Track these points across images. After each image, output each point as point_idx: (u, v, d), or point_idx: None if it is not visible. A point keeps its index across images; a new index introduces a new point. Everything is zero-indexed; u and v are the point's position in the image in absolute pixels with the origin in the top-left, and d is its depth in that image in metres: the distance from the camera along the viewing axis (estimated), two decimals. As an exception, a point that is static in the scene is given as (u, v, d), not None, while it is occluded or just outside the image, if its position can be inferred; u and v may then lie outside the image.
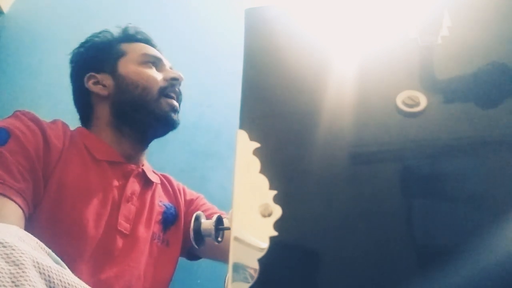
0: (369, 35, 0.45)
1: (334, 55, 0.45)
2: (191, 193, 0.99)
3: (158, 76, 0.90)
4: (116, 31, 0.96)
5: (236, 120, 0.41)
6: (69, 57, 0.97)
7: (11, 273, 0.41)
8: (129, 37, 0.95)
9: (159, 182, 0.93)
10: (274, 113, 0.42)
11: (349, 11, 0.48)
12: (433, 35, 0.43)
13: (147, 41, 0.97)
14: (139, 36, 0.96)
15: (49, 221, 0.71)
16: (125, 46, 0.93)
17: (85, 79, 0.91)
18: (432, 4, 0.44)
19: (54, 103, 1.37)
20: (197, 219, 0.52)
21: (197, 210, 0.94)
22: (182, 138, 1.38)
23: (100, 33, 0.96)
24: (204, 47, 1.59)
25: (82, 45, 0.96)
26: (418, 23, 0.44)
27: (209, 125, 1.43)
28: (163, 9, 1.70)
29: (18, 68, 1.56)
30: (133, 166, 0.87)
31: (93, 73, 0.91)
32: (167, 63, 0.96)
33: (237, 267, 0.35)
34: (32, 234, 0.50)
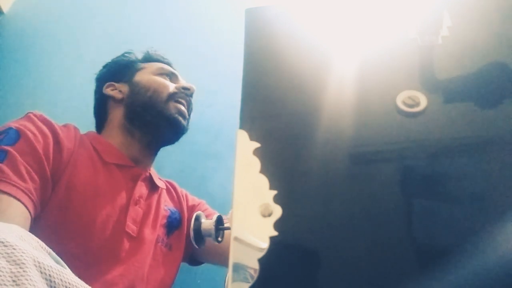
0: (369, 35, 0.45)
1: (334, 55, 0.45)
2: (193, 199, 1.01)
3: (170, 84, 0.95)
4: (138, 55, 1.02)
5: (236, 120, 0.42)
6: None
7: (12, 272, 0.41)
8: (149, 58, 1.01)
9: (164, 187, 0.95)
10: (274, 113, 0.42)
11: (349, 11, 0.48)
12: (433, 35, 0.43)
13: (167, 64, 1.02)
14: (159, 58, 1.02)
15: (56, 221, 0.72)
16: (144, 64, 0.99)
17: (104, 86, 0.97)
18: (432, 4, 0.44)
19: (54, 103, 1.37)
20: (197, 219, 0.52)
21: None
22: (182, 138, 1.38)
23: (123, 54, 1.03)
24: (204, 47, 1.59)
25: (106, 65, 1.03)
26: (418, 23, 0.44)
27: (209, 125, 1.43)
28: (163, 9, 1.70)
29: (18, 68, 1.56)
30: (141, 170, 0.89)
31: (112, 82, 0.97)
32: (182, 79, 1.00)
33: (237, 267, 0.35)
34: (39, 234, 0.51)
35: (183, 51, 1.53)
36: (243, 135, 0.40)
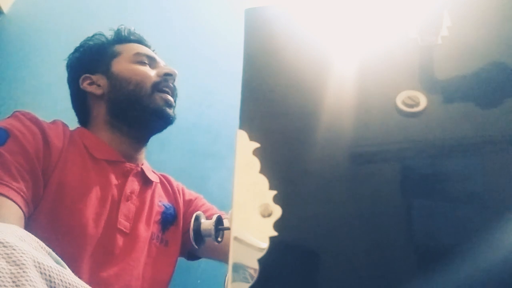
0: (369, 35, 0.45)
1: (334, 55, 0.45)
2: (190, 193, 1.00)
3: (151, 72, 0.91)
4: (109, 34, 0.97)
5: (236, 120, 0.41)
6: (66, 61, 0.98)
7: (11, 273, 0.41)
8: (122, 38, 0.97)
9: (158, 181, 0.94)
10: (274, 113, 0.42)
11: (349, 11, 0.48)
12: (433, 35, 0.43)
13: (140, 42, 0.98)
14: (132, 37, 0.97)
15: (49, 220, 0.71)
16: (118, 47, 0.95)
17: (80, 80, 0.93)
18: (432, 4, 0.44)
19: (54, 102, 1.37)
20: (197, 219, 0.52)
21: (197, 210, 0.95)
22: (182, 138, 1.38)
23: (93, 36, 0.98)
24: (204, 47, 1.59)
25: (76, 49, 0.98)
26: (418, 23, 0.44)
27: (209, 125, 1.43)
28: (163, 9, 1.70)
29: (18, 68, 1.56)
30: (132, 165, 0.88)
31: (87, 75, 0.93)
32: (161, 61, 0.96)
33: (237, 267, 0.35)
34: (32, 233, 0.50)
35: (183, 51, 1.53)
36: (243, 135, 0.40)
